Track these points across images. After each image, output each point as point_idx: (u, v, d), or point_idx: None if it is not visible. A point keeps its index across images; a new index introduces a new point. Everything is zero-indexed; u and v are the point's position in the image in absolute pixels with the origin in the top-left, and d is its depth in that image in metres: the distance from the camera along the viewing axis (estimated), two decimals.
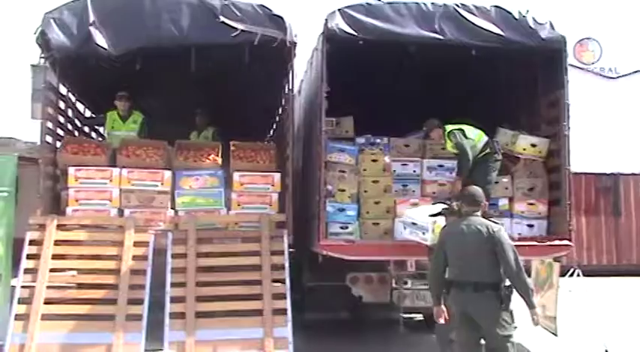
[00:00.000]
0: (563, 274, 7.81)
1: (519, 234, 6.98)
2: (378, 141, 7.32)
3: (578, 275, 8.60)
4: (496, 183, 7.09)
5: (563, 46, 6.83)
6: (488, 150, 6.92)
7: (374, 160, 7.12)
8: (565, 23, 7.55)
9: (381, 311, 8.28)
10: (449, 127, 6.95)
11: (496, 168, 6.97)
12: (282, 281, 6.68)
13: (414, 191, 7.19)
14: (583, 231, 14.95)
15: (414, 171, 7.26)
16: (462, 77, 7.80)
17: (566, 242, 6.80)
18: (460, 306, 5.09)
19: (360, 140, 7.26)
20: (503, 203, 7.16)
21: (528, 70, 7.31)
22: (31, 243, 6.58)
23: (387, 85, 8.01)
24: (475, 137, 6.97)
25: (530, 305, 4.99)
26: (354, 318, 8.35)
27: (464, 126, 6.95)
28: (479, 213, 5.24)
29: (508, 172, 7.23)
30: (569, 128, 6.80)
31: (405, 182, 7.21)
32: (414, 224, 6.40)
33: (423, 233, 6.20)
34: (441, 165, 7.24)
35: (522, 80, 7.54)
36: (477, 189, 5.43)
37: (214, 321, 6.45)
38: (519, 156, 7.24)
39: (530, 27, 6.69)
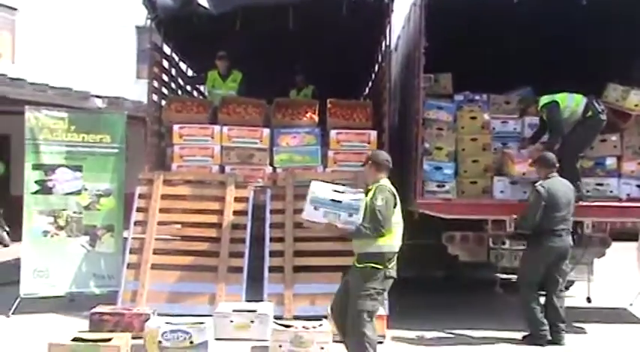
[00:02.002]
0: None
1: (628, 194, 6.67)
2: (477, 98, 7.13)
3: None
4: (604, 141, 6.78)
5: None
6: (590, 114, 6.55)
7: (472, 117, 6.95)
8: None
9: (476, 271, 8.20)
10: (543, 100, 6.60)
11: (598, 129, 6.64)
12: None
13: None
14: None
15: (515, 129, 7.03)
16: (569, 31, 7.36)
17: None
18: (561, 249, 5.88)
19: (459, 97, 7.10)
20: (610, 162, 6.82)
21: None
22: (140, 196, 6.97)
23: (488, 41, 7.69)
24: (573, 103, 6.59)
25: None
26: (449, 277, 8.30)
27: (558, 96, 6.58)
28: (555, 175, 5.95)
29: (617, 130, 6.84)
30: None
31: (504, 140, 7.01)
32: (336, 202, 4.73)
33: (350, 214, 4.67)
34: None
35: (634, 32, 7.03)
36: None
37: (311, 275, 6.63)
38: (630, 112, 6.80)
39: None
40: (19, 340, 5.78)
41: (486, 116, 6.93)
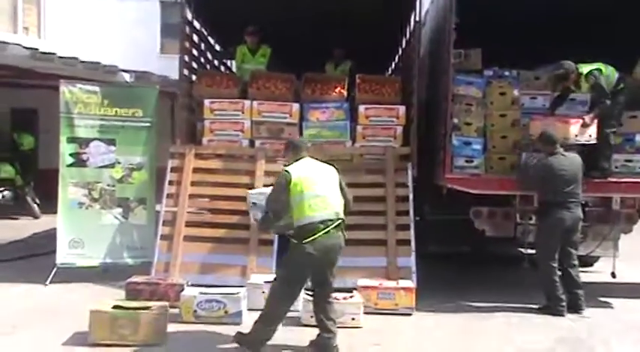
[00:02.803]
0: None
1: None
2: (507, 73, 7.10)
3: None
4: (633, 117, 6.77)
5: None
6: (621, 86, 6.56)
7: (502, 93, 6.94)
8: None
9: (502, 247, 8.26)
10: (585, 68, 6.58)
11: (625, 103, 6.65)
12: (406, 213, 6.82)
13: None
14: None
15: (544, 105, 7.01)
16: (600, 5, 7.28)
17: None
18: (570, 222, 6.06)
19: (488, 72, 7.08)
20: None
21: None
22: (172, 170, 7.09)
23: (517, 15, 7.64)
24: (610, 73, 6.59)
25: None
26: (475, 252, 8.37)
27: (598, 65, 6.55)
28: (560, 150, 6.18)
29: None
30: None
31: (533, 116, 6.97)
32: (253, 204, 5.38)
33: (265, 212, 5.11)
34: (572, 99, 6.93)
35: None
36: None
37: None
38: None
39: None
40: (57, 308, 5.97)
41: (516, 92, 6.92)
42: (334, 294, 5.63)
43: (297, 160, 5.03)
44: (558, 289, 6.11)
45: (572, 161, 6.24)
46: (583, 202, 6.39)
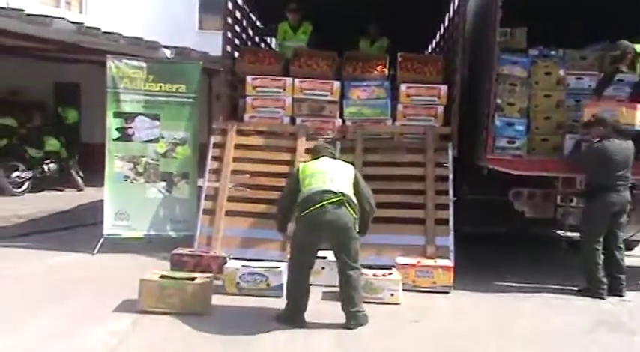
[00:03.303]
0: None
1: None
2: (553, 53, 6.99)
3: None
4: None
5: None
6: None
7: (547, 73, 6.83)
8: None
9: (540, 229, 8.22)
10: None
11: None
12: (446, 193, 6.84)
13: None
14: None
15: (589, 86, 6.90)
16: None
17: None
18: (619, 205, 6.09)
19: (533, 52, 6.97)
20: None
21: None
22: (215, 145, 7.20)
23: None
24: None
25: None
26: (513, 233, 8.35)
27: None
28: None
29: None
30: None
31: (578, 97, 6.88)
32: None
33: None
34: (620, 80, 6.80)
35: None
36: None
37: (379, 227, 6.64)
38: None
39: None
40: (105, 276, 6.17)
41: (562, 72, 6.81)
42: (374, 271, 5.75)
43: (314, 159, 5.26)
44: (600, 271, 6.08)
45: (625, 145, 6.16)
46: (630, 185, 6.32)
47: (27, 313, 4.98)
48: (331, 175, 5.01)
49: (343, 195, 4.92)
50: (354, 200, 5.02)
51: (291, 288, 5.05)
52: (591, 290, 6.10)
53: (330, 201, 4.86)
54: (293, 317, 4.95)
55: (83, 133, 13.49)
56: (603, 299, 6.01)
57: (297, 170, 5.15)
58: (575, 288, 6.22)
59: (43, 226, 8.52)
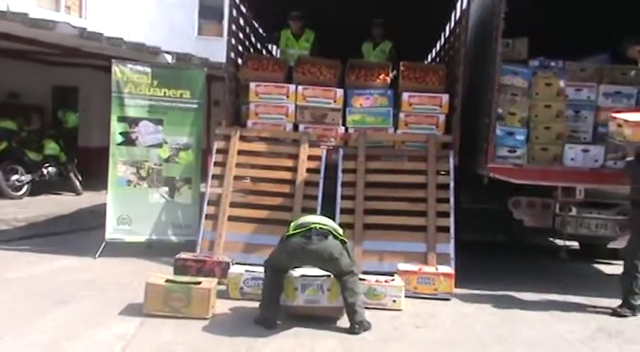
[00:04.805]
0: None
1: None
2: (553, 64, 7.06)
3: None
4: None
5: None
6: None
7: (547, 84, 6.93)
8: None
9: (538, 237, 8.30)
10: None
11: None
12: (447, 201, 6.91)
13: (586, 117, 6.97)
14: None
15: (589, 97, 6.99)
16: None
17: None
18: None
19: (534, 63, 7.05)
20: None
21: None
22: (218, 151, 7.25)
23: (563, 5, 7.61)
24: None
25: None
26: (512, 242, 8.42)
27: None
28: None
29: None
30: None
31: (577, 107, 6.97)
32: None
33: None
34: (618, 92, 6.92)
35: None
36: None
37: (380, 233, 6.85)
38: None
39: None
40: (108, 280, 6.19)
41: (562, 83, 6.91)
42: (376, 277, 5.81)
43: None
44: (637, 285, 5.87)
45: None
46: None
47: (32, 316, 5.00)
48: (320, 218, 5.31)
49: (330, 227, 5.14)
50: (340, 231, 5.22)
51: (264, 297, 5.14)
52: (627, 305, 5.83)
53: (316, 227, 5.04)
54: (264, 322, 5.00)
55: (80, 137, 13.50)
56: (635, 315, 5.81)
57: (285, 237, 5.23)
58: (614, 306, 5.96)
59: (43, 230, 8.54)
